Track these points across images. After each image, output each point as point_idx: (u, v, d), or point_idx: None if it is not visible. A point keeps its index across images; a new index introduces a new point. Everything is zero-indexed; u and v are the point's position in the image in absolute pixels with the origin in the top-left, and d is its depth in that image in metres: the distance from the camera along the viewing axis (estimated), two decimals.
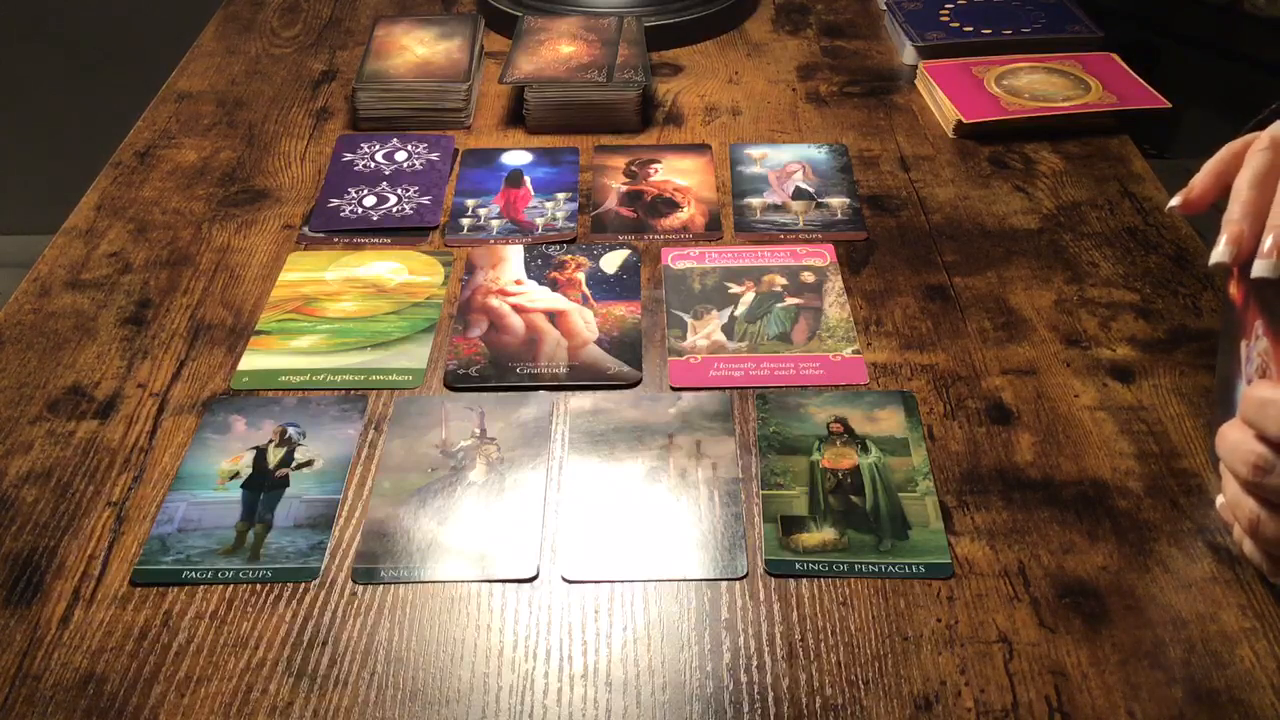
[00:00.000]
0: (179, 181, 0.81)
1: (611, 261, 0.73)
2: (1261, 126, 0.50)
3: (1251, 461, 0.46)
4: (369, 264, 0.73)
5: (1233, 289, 0.52)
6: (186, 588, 0.52)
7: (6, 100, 1.83)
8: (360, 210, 0.78)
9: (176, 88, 0.94)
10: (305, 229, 0.76)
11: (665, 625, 0.50)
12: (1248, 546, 0.50)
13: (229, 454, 0.58)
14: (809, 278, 0.71)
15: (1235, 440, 0.47)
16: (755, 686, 0.47)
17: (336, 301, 0.70)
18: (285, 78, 0.96)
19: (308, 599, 0.51)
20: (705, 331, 0.67)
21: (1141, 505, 0.55)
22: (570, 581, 0.52)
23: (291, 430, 0.60)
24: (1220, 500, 0.51)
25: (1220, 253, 0.48)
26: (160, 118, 0.89)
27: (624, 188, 0.80)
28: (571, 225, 0.76)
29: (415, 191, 0.80)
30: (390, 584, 0.52)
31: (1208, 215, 0.53)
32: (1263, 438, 0.45)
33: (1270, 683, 0.47)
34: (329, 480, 0.57)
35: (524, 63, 0.89)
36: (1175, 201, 0.53)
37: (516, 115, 0.89)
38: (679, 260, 0.73)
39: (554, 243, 0.75)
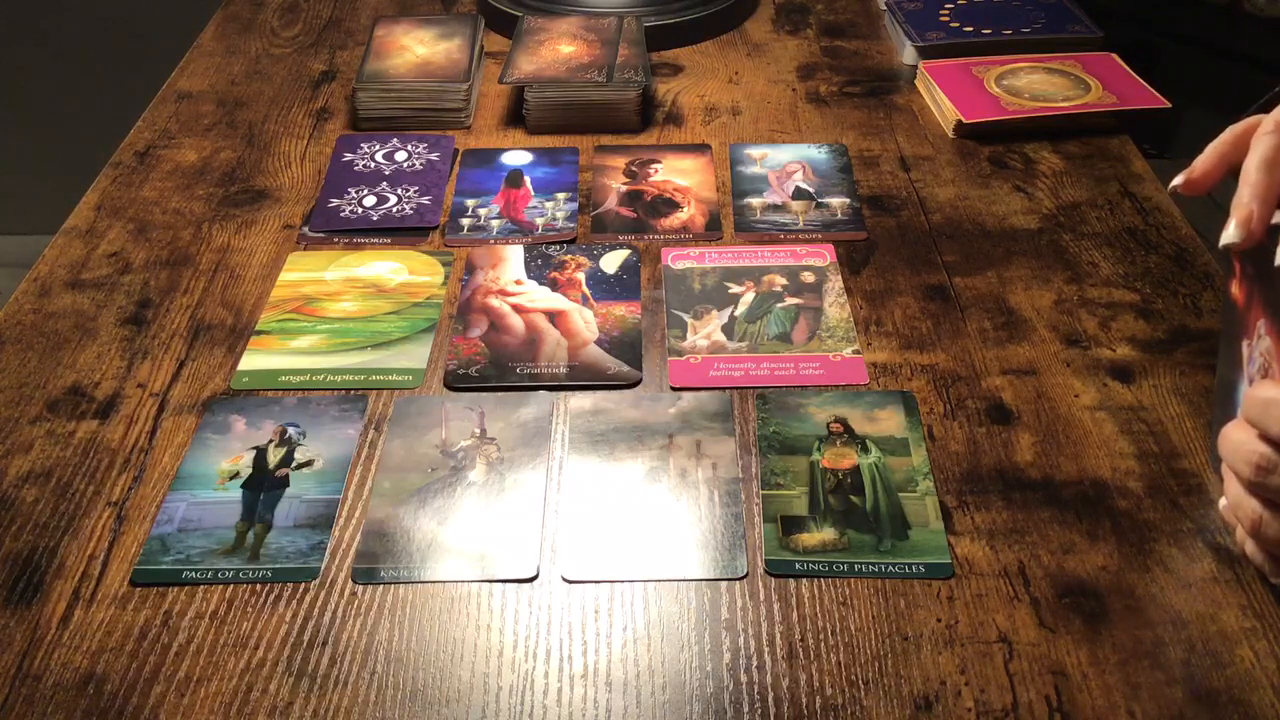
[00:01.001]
0: (179, 181, 0.81)
1: (611, 261, 0.73)
2: (1266, 109, 0.50)
3: (1254, 462, 0.46)
4: (369, 264, 0.73)
5: (1234, 288, 0.52)
6: (186, 588, 0.52)
7: (6, 100, 1.83)
8: (360, 210, 0.78)
9: (176, 88, 0.94)
10: (305, 229, 0.76)
11: (665, 625, 0.50)
12: (1250, 548, 0.50)
13: (229, 454, 0.58)
14: (809, 278, 0.71)
15: (1238, 440, 0.47)
16: (755, 686, 0.47)
17: (336, 301, 0.70)
18: (285, 78, 0.96)
19: (308, 599, 0.51)
20: (705, 331, 0.67)
21: (1141, 505, 0.55)
22: (570, 581, 0.52)
23: (291, 430, 0.60)
24: (1223, 502, 0.51)
25: (1230, 234, 0.48)
26: (160, 118, 0.89)
27: (624, 188, 0.80)
28: (571, 225, 0.76)
29: (415, 191, 0.80)
30: (390, 584, 0.52)
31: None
32: (1265, 437, 0.45)
33: (1270, 683, 0.47)
34: (329, 480, 0.57)
35: (524, 63, 0.89)
36: (1178, 181, 0.53)
37: (516, 115, 0.89)
38: (679, 260, 0.73)
39: (554, 243, 0.75)
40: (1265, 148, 0.49)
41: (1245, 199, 0.48)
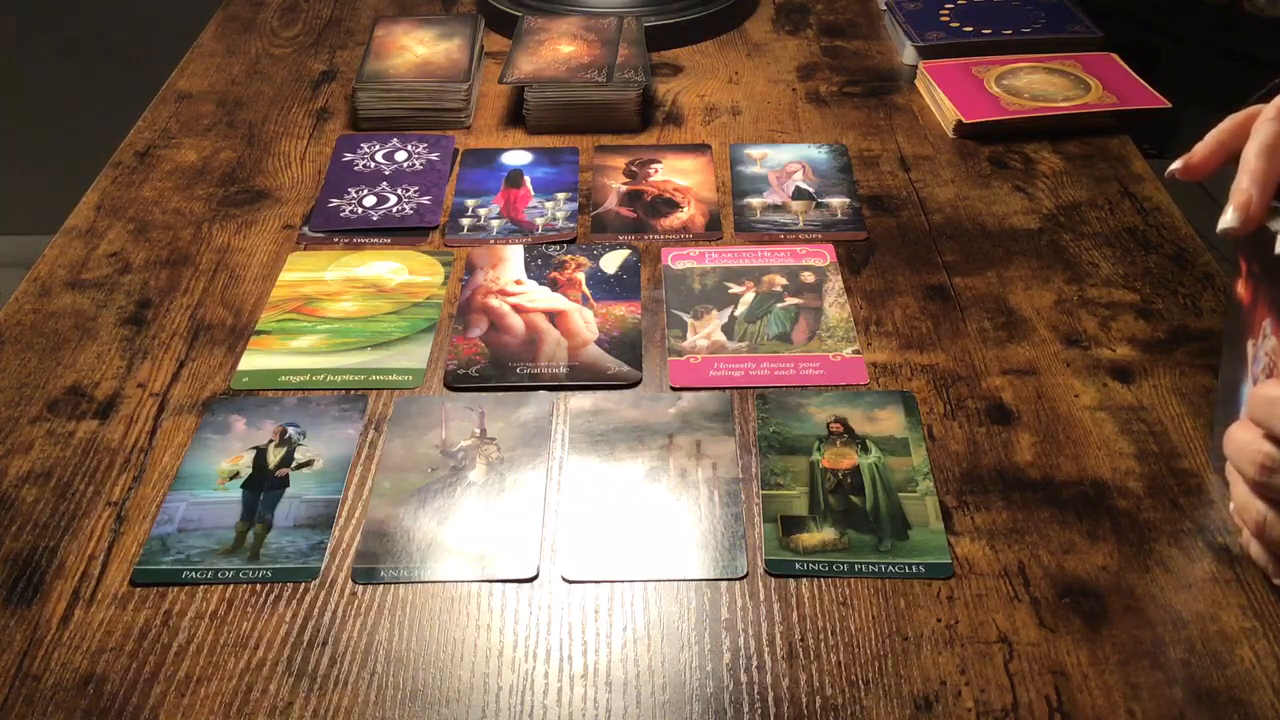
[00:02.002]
0: (179, 181, 0.81)
1: (611, 261, 0.73)
2: (1266, 100, 0.50)
3: (1259, 461, 0.45)
4: (369, 264, 0.73)
5: (1240, 288, 0.51)
6: (186, 588, 0.52)
7: (7, 100, 1.83)
8: (360, 210, 0.78)
9: (176, 88, 0.94)
10: (305, 229, 0.76)
11: (665, 625, 0.50)
12: (1254, 549, 0.50)
13: (229, 454, 0.58)
14: (809, 278, 0.71)
15: (1242, 441, 0.47)
16: (755, 686, 0.47)
17: (336, 301, 0.70)
18: (285, 78, 0.96)
19: (308, 599, 0.51)
20: (705, 331, 0.67)
21: (1141, 505, 0.55)
22: (570, 581, 0.52)
23: (291, 430, 0.60)
24: (1233, 505, 0.51)
25: (1228, 219, 0.48)
26: (160, 118, 0.89)
27: (624, 188, 0.80)
28: (571, 225, 0.76)
29: (415, 191, 0.80)
30: (390, 584, 0.52)
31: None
32: (1270, 437, 0.45)
33: (1270, 683, 0.47)
34: (329, 480, 0.57)
35: (524, 63, 0.89)
36: (1176, 165, 0.53)
37: (516, 115, 0.89)
38: (679, 260, 0.73)
39: (554, 243, 0.75)
40: (1265, 135, 0.49)
41: (1244, 184, 0.48)
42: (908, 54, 0.96)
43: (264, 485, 0.57)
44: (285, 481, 0.57)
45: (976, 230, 0.75)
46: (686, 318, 0.68)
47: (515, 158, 0.84)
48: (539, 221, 0.77)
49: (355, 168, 0.82)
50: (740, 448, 0.58)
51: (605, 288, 0.70)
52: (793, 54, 0.99)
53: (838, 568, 0.52)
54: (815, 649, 0.49)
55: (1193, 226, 0.75)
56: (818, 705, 0.46)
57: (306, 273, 0.72)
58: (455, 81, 0.87)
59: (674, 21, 0.99)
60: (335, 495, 0.56)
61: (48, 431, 0.60)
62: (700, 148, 0.85)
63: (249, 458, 0.58)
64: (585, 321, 0.68)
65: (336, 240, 0.75)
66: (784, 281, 0.71)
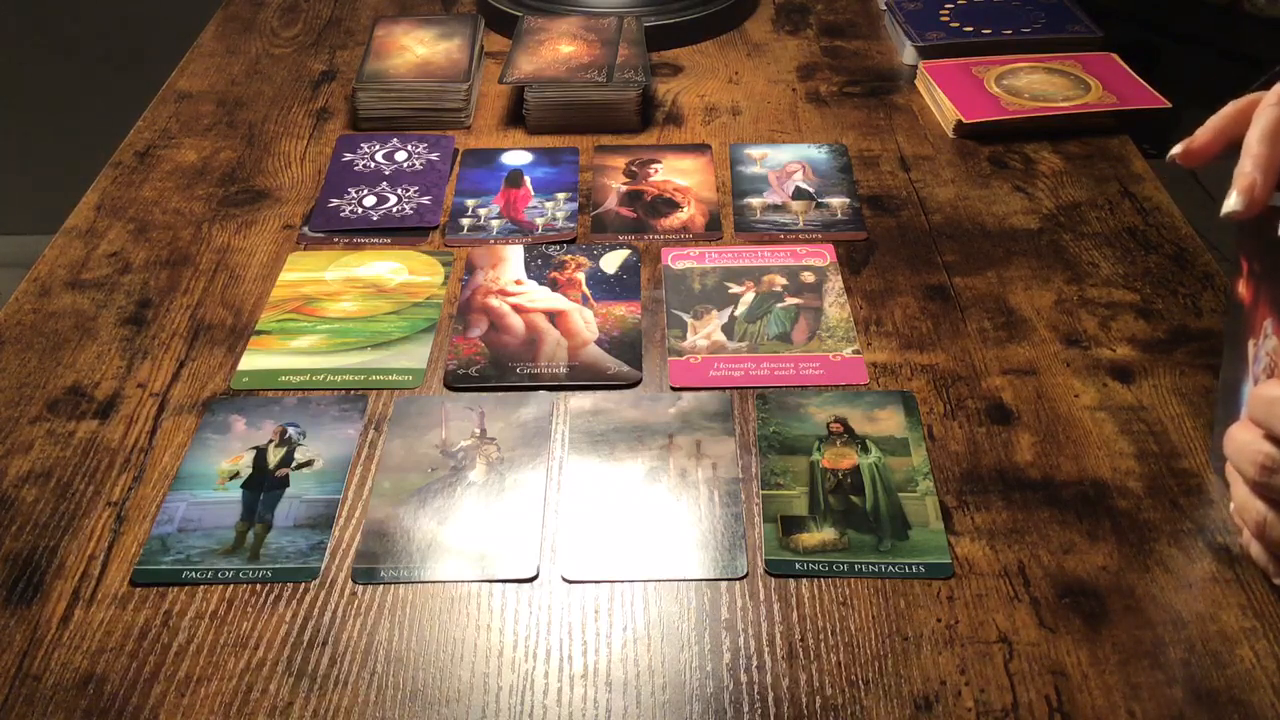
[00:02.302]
0: (179, 181, 0.81)
1: (611, 261, 0.73)
2: (1267, 86, 0.50)
3: (1259, 462, 0.45)
4: (369, 264, 0.73)
5: (1240, 287, 0.51)
6: (186, 588, 0.52)
7: (6, 100, 1.83)
8: (360, 210, 0.78)
9: (176, 88, 0.94)
10: (305, 229, 0.76)
11: (665, 625, 0.50)
12: (1255, 550, 0.50)
13: (229, 454, 0.58)
14: (809, 278, 0.71)
15: (1243, 441, 0.47)
16: (755, 686, 0.47)
17: (336, 301, 0.70)
18: (285, 78, 0.96)
19: (308, 599, 0.51)
20: (705, 331, 0.67)
21: (1141, 505, 0.55)
22: (570, 581, 0.52)
23: (291, 430, 0.60)
24: (1233, 505, 0.51)
25: (1232, 203, 0.48)
26: (160, 118, 0.89)
27: (624, 188, 0.80)
28: (571, 225, 0.76)
29: (415, 191, 0.80)
30: (390, 584, 0.52)
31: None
32: (1270, 437, 0.45)
33: (1270, 683, 0.47)
34: (329, 480, 0.57)
35: (524, 63, 0.89)
36: (1176, 150, 0.53)
37: (516, 115, 0.89)
38: (679, 260, 0.73)
39: (554, 243, 0.75)
40: (1267, 120, 0.48)
41: (1248, 169, 0.48)
42: (908, 54, 0.96)
43: (264, 485, 0.57)
44: (285, 481, 0.57)
45: (976, 230, 0.75)
46: (686, 318, 0.68)
47: (515, 158, 0.84)
48: (539, 221, 0.77)
49: (355, 168, 0.82)
50: (740, 448, 0.58)
51: (605, 288, 0.70)
52: (793, 54, 0.99)
53: (838, 568, 0.52)
54: (815, 649, 0.49)
55: (1193, 226, 0.75)
56: (818, 705, 0.46)
57: (306, 273, 0.72)
58: (455, 81, 0.87)
59: (674, 21, 0.99)
60: (335, 495, 0.56)
61: (48, 431, 0.60)
62: (700, 148, 0.85)
63: (249, 458, 0.58)
64: (585, 321, 0.68)
65: (336, 240, 0.75)
66: (784, 281, 0.71)
